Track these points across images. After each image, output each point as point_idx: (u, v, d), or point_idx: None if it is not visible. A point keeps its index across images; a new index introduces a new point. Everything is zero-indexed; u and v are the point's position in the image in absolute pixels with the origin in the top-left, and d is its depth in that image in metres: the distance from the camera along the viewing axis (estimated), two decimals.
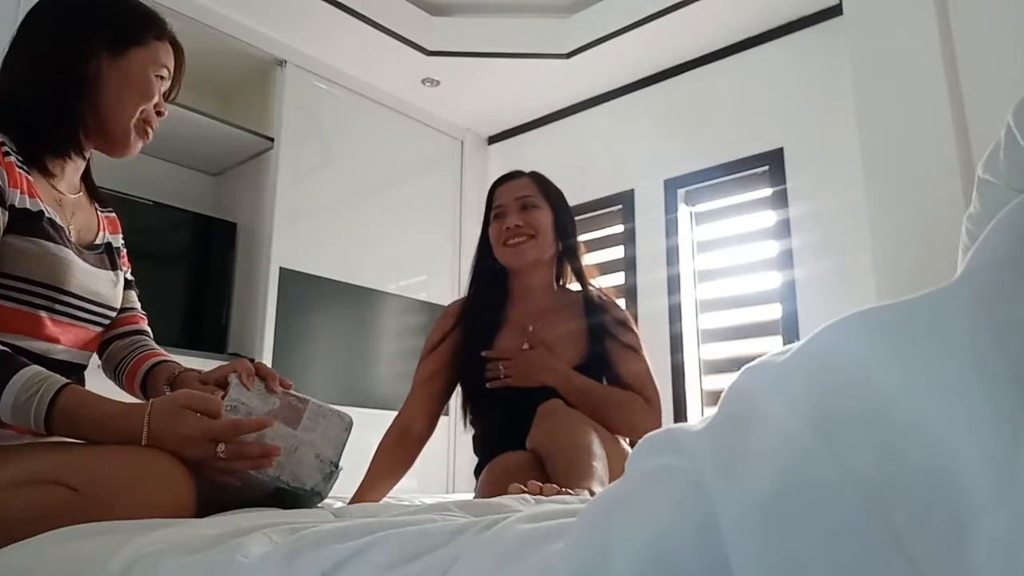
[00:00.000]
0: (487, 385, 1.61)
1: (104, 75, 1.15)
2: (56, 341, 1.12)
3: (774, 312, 2.84)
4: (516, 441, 1.51)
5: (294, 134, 3.06)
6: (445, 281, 3.57)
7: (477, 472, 1.71)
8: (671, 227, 3.17)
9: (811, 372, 0.39)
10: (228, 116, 3.01)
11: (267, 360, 2.76)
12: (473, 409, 1.74)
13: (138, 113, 1.19)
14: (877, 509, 0.32)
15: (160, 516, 0.86)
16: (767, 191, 2.95)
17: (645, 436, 0.44)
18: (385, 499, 1.60)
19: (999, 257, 0.39)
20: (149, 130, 1.23)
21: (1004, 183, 0.94)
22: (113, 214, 1.35)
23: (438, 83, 3.43)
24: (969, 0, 1.98)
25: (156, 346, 1.35)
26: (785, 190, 2.88)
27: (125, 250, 1.36)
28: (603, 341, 1.66)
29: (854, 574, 0.31)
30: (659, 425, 1.60)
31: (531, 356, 1.62)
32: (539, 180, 1.76)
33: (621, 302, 3.26)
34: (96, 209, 1.29)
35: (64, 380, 0.98)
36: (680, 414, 2.95)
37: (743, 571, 0.33)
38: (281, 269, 2.91)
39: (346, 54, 3.19)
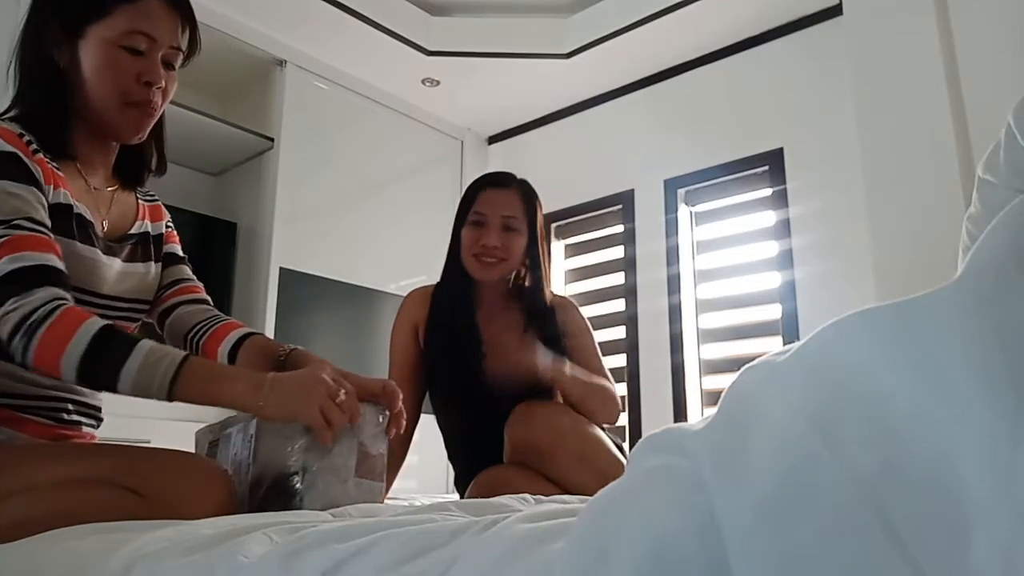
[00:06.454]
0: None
1: (74, 60, 1.09)
2: None
3: (774, 312, 2.84)
4: (491, 449, 1.57)
5: (294, 134, 3.06)
6: None
7: (458, 483, 1.75)
8: (671, 227, 3.16)
9: (811, 372, 0.39)
10: (228, 116, 3.00)
11: None
12: (442, 416, 1.78)
13: (119, 95, 1.09)
14: (877, 509, 0.32)
15: (211, 515, 0.90)
16: (767, 191, 2.95)
17: (645, 436, 0.44)
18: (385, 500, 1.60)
19: (999, 257, 0.39)
20: (145, 107, 1.12)
21: (1004, 183, 0.94)
22: (158, 202, 1.33)
23: (438, 83, 3.43)
24: (969, 0, 1.98)
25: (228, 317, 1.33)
26: (785, 190, 2.87)
27: (171, 229, 1.33)
28: (557, 341, 1.71)
29: (854, 574, 0.31)
30: (619, 408, 1.71)
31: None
32: (526, 195, 1.74)
33: (620, 302, 3.30)
34: (137, 198, 1.27)
35: (185, 351, 1.00)
36: (680, 414, 2.95)
37: (743, 571, 0.33)
38: (281, 269, 2.90)
39: (346, 54, 3.19)
